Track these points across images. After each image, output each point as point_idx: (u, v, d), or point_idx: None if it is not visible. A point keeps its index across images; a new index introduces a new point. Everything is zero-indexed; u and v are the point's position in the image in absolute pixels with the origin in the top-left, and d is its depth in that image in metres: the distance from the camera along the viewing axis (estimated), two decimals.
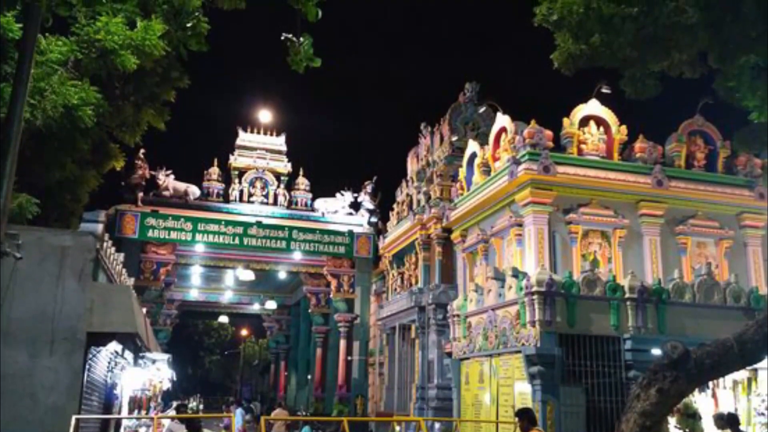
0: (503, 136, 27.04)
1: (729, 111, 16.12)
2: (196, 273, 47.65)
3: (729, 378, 18.46)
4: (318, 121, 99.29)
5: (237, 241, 40.69)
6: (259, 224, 41.33)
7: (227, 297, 55.05)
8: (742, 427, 15.57)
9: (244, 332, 75.22)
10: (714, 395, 19.35)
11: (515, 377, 20.77)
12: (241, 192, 43.11)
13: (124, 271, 20.64)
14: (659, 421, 9.47)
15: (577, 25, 13.57)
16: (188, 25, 8.22)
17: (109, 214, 29.19)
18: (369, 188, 44.94)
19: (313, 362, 47.03)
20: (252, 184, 43.62)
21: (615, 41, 13.48)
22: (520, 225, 24.90)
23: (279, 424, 28.93)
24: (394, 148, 80.00)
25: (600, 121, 25.97)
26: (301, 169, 45.76)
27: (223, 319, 65.09)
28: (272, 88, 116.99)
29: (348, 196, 44.87)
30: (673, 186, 25.38)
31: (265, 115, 46.37)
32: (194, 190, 41.63)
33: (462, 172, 30.45)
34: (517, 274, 21.74)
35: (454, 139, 33.29)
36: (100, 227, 14.67)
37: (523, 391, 20.18)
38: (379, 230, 42.02)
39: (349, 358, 42.03)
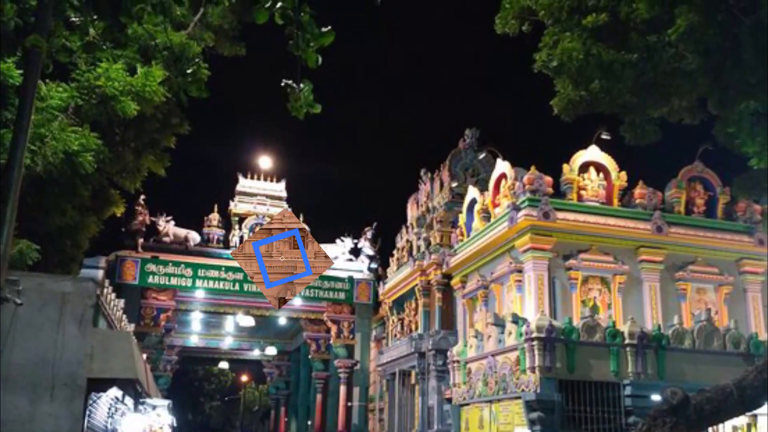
0: (503, 182, 27.11)
1: (728, 157, 16.21)
2: (196, 319, 47.39)
3: (729, 424, 18.41)
4: (318, 167, 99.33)
5: (237, 287, 40.55)
6: None
7: (227, 343, 54.59)
8: None
9: (244, 378, 74.78)
10: None
11: (515, 423, 20.70)
12: (242, 238, 42.99)
13: (124, 317, 20.58)
14: None
15: (577, 72, 13.66)
16: (188, 71, 8.23)
17: (109, 260, 29.24)
18: (369, 234, 44.89)
19: (313, 408, 46.75)
20: (252, 230, 43.58)
21: (615, 87, 13.57)
22: (520, 271, 24.91)
23: None
24: (394, 194, 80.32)
25: (600, 167, 26.06)
26: (301, 215, 45.78)
27: (224, 365, 64.67)
28: (272, 134, 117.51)
29: (348, 242, 44.81)
30: (672, 232, 25.42)
31: (265, 161, 46.42)
32: (194, 236, 41.63)
33: (462, 218, 30.50)
34: (516, 320, 21.74)
35: (454, 185, 33.35)
36: (100, 273, 14.64)
37: None
38: (379, 276, 41.94)
39: (350, 404, 41.83)
